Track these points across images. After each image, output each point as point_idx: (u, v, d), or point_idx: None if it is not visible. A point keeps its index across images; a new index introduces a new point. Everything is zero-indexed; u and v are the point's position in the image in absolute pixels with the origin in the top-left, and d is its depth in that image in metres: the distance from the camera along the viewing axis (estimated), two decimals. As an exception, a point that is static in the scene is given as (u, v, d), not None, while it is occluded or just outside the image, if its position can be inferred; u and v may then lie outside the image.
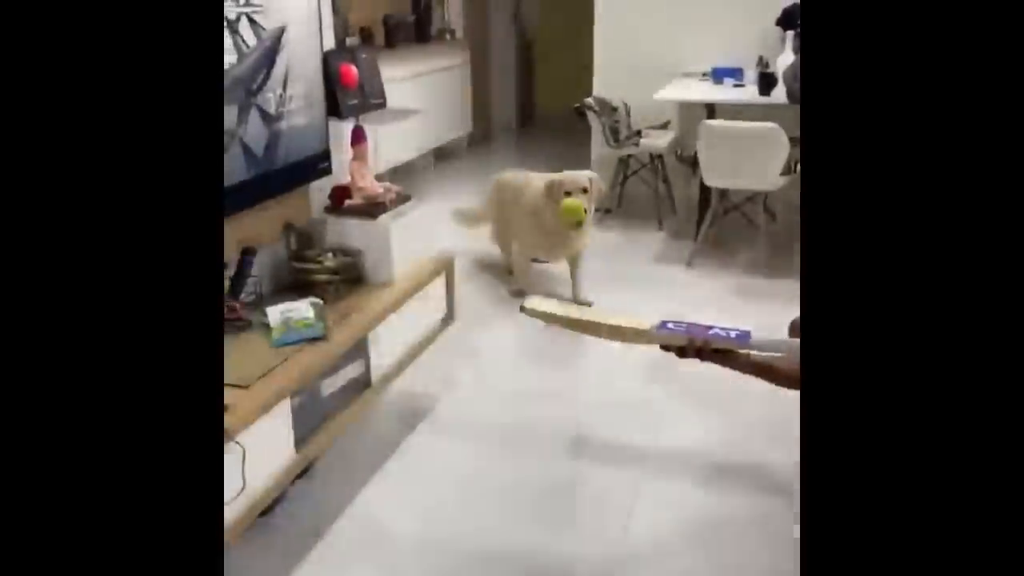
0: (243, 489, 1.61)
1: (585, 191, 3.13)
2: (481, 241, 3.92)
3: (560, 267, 3.56)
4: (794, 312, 1.15)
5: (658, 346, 1.52)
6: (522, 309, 1.80)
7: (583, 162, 5.05)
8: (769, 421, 2.39)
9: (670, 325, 1.50)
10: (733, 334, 1.45)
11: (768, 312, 3.17)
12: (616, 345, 2.94)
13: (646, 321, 1.52)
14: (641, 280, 3.74)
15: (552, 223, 3.20)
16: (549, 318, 1.68)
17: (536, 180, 3.35)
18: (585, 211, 3.11)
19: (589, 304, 3.31)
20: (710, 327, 1.48)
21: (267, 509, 1.87)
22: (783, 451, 2.21)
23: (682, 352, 1.48)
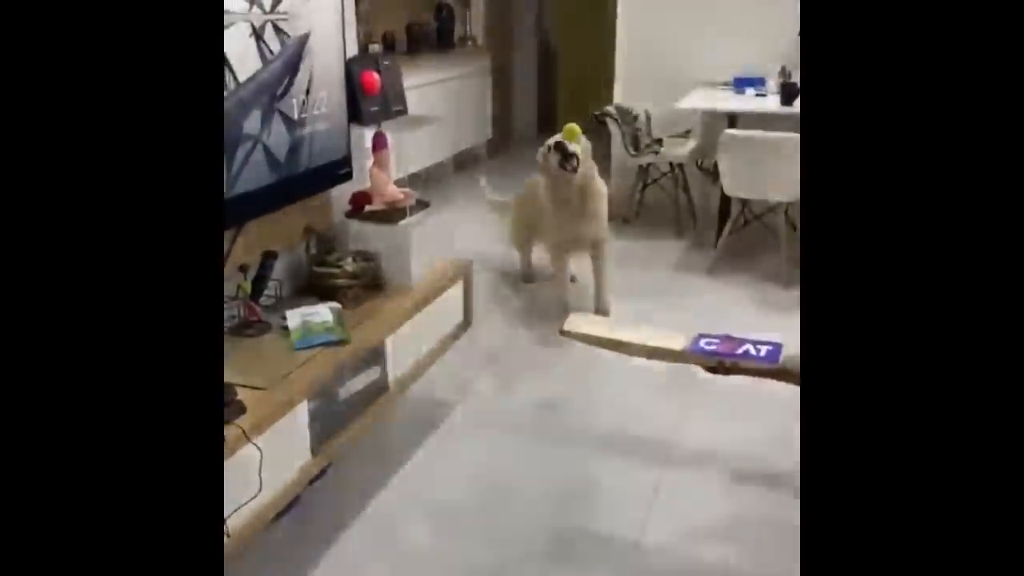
0: (260, 491, 1.62)
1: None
2: (500, 248, 3.93)
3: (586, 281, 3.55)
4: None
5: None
6: (562, 332, 1.84)
7: (603, 169, 5.04)
8: (793, 427, 2.37)
9: (702, 344, 1.53)
10: (763, 351, 1.47)
11: (788, 323, 3.15)
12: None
13: (681, 337, 1.54)
14: (660, 289, 3.73)
15: (565, 191, 3.20)
16: (588, 339, 1.72)
17: None
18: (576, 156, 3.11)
19: (607, 313, 3.29)
20: (743, 342, 1.51)
21: (283, 511, 1.88)
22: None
23: (713, 369, 1.52)
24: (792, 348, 1.47)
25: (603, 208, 3.30)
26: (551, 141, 3.18)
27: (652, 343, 1.61)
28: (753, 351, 1.49)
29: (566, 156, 3.09)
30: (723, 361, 1.50)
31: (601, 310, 3.30)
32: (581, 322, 1.81)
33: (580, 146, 3.15)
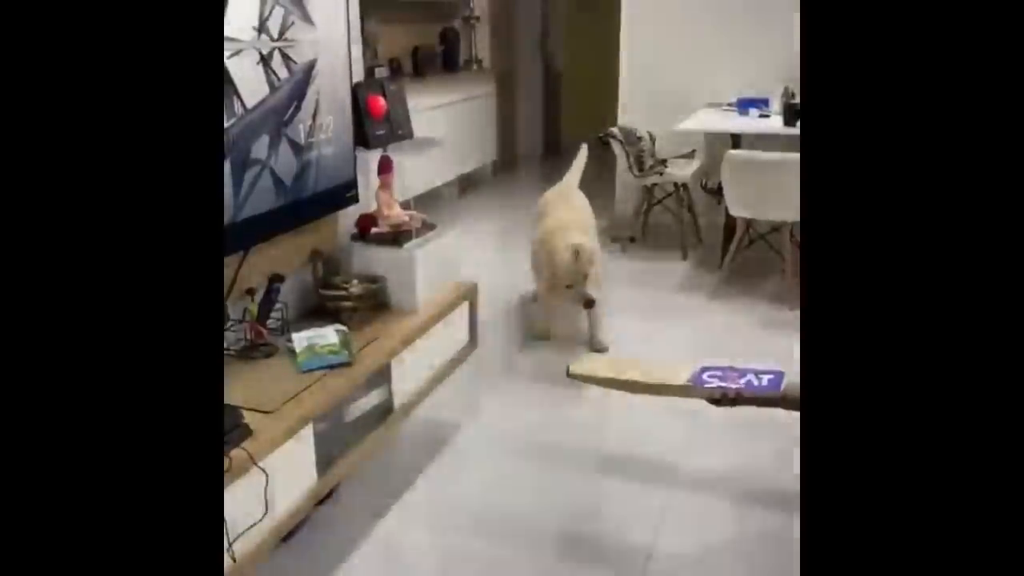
0: (266, 514, 1.62)
1: (585, 277, 3.02)
2: (505, 272, 3.94)
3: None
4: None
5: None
6: (569, 374, 1.87)
7: (608, 190, 5.08)
8: (798, 447, 2.36)
9: (705, 376, 1.55)
10: (765, 380, 1.48)
11: (793, 344, 3.14)
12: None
13: (685, 370, 1.56)
14: (665, 310, 3.73)
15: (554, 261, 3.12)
16: (594, 381, 1.76)
17: (551, 224, 3.26)
18: (585, 276, 3.02)
19: (605, 349, 3.24)
20: (744, 373, 1.52)
21: (290, 534, 1.88)
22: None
23: (716, 401, 1.54)
24: (794, 376, 1.48)
25: (598, 271, 3.18)
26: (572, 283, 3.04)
27: (656, 380, 1.64)
28: (755, 381, 1.50)
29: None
30: (726, 393, 1.51)
31: (597, 349, 3.26)
32: (587, 363, 1.86)
33: (593, 265, 3.05)
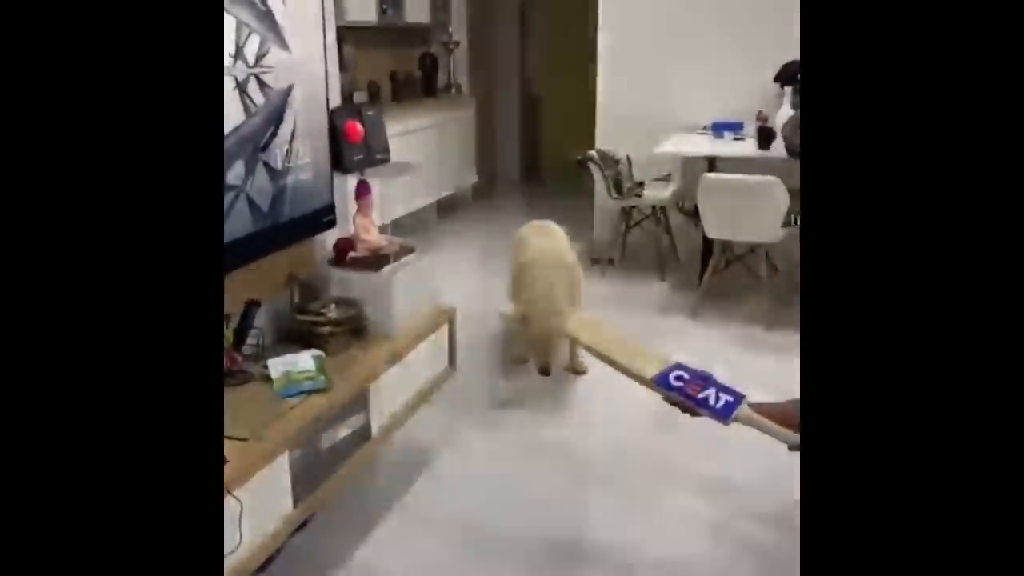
0: (240, 544, 1.60)
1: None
2: (484, 296, 3.93)
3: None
4: (795, 363, 1.16)
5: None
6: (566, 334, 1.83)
7: (586, 213, 5.10)
8: (782, 465, 2.37)
9: (671, 378, 1.56)
10: (721, 402, 1.50)
11: (771, 366, 3.17)
12: (620, 394, 2.95)
13: (660, 364, 1.58)
14: (643, 331, 3.73)
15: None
16: (580, 343, 1.79)
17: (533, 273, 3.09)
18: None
19: (584, 371, 3.22)
20: (708, 386, 1.54)
21: (264, 564, 1.84)
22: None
23: (674, 404, 1.56)
24: (749, 404, 1.49)
25: (578, 295, 3.13)
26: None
27: (629, 364, 1.65)
28: (712, 400, 1.51)
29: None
30: (683, 404, 1.53)
31: (576, 371, 3.25)
32: (583, 327, 1.90)
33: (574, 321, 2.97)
